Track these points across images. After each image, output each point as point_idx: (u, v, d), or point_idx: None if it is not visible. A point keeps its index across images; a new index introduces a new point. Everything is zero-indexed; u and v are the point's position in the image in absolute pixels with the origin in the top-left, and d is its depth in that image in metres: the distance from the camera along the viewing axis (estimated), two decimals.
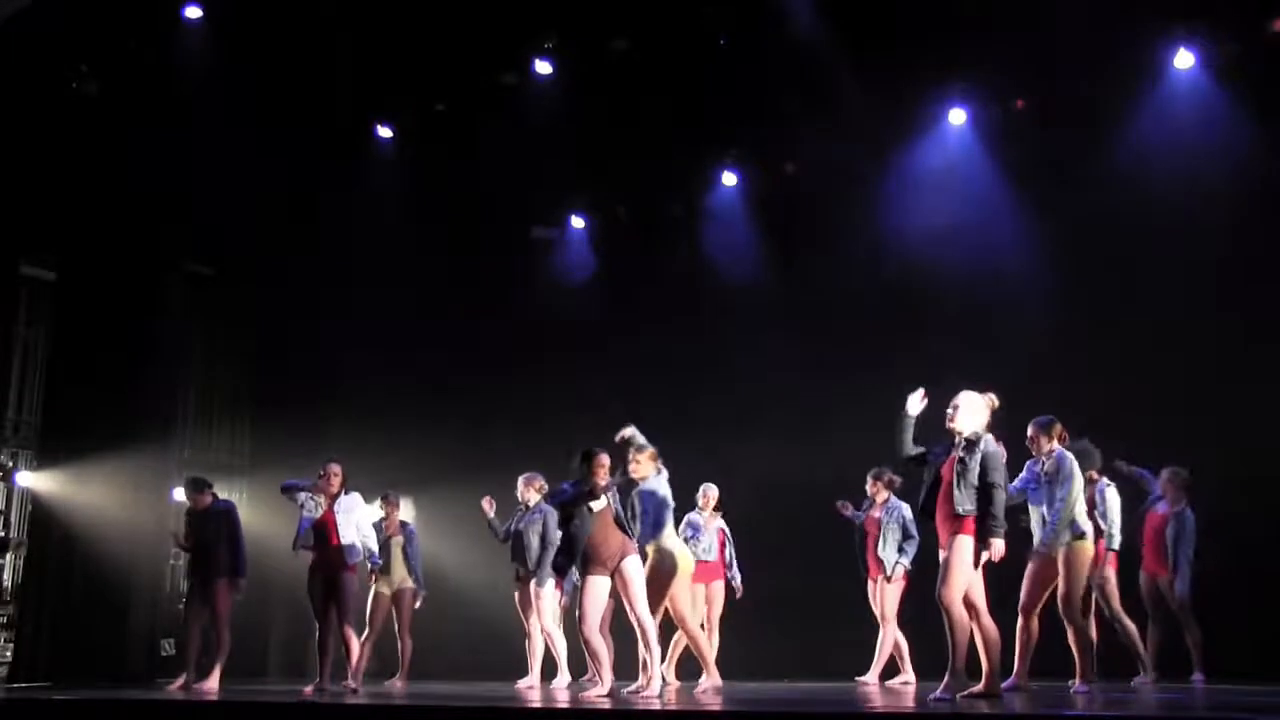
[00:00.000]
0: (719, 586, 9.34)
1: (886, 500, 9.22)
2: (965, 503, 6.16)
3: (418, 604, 9.95)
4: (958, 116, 11.21)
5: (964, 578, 6.11)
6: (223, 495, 9.98)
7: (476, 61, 11.27)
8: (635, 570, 7.09)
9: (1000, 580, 6.78)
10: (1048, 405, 9.75)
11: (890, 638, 9.13)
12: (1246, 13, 9.87)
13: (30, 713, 7.38)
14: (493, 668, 10.37)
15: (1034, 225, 10.68)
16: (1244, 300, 9.72)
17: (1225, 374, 9.61)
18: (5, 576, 12.12)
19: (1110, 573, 8.35)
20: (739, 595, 9.46)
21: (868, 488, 9.36)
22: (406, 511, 10.67)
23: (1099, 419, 9.19)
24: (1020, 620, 6.97)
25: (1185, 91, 10.18)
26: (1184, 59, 10.18)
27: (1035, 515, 7.49)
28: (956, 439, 6.43)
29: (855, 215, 11.45)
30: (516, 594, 9.52)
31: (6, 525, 12.28)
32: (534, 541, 9.12)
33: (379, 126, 12.33)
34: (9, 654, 11.01)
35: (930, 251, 10.90)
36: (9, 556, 12.12)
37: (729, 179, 12.40)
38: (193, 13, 10.80)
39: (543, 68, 11.33)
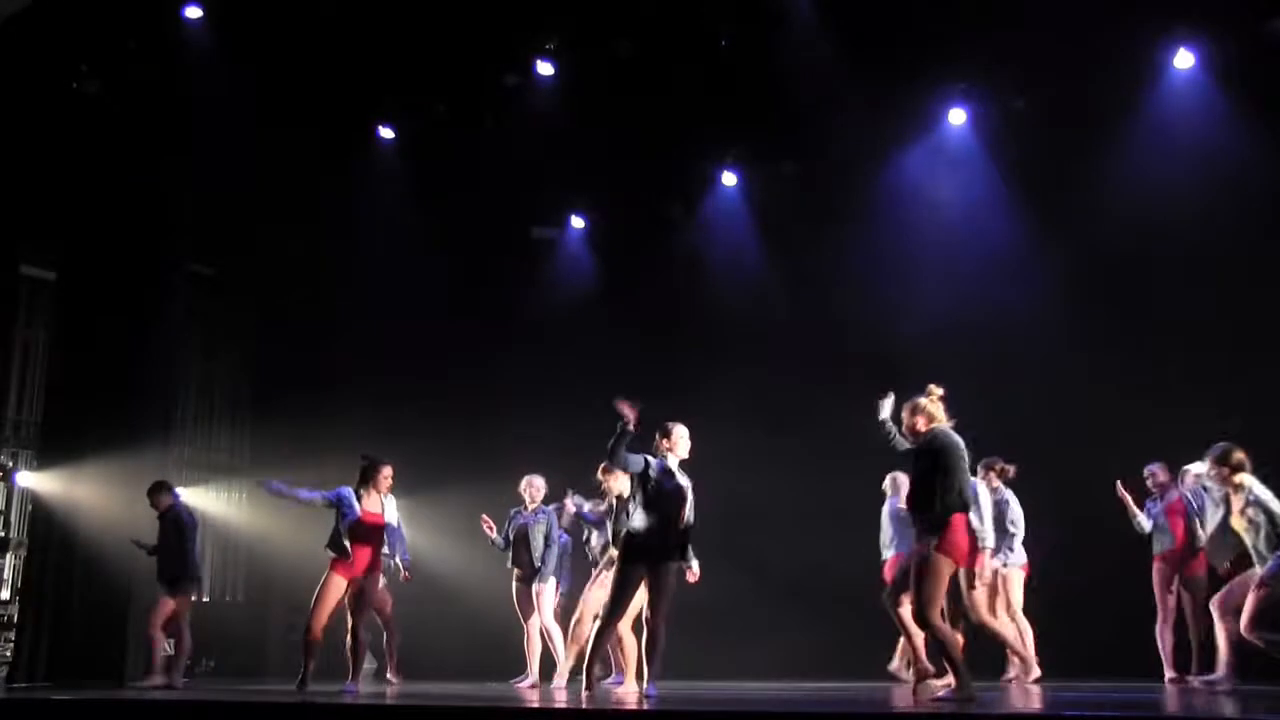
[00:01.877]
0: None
1: (996, 489, 8.58)
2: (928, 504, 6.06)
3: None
4: (958, 116, 11.22)
5: (939, 585, 6.06)
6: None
7: (477, 62, 11.28)
8: (673, 574, 6.90)
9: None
10: (1048, 406, 9.85)
11: (1014, 631, 8.50)
12: (1246, 13, 9.87)
13: (30, 713, 7.37)
14: (492, 668, 10.36)
15: (1033, 224, 10.69)
16: (1246, 300, 9.72)
17: (1227, 374, 9.60)
18: (5, 576, 12.12)
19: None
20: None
21: (978, 478, 8.67)
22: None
23: (1100, 419, 9.20)
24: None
25: (1185, 91, 10.19)
26: (1184, 59, 10.19)
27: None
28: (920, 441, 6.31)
29: (855, 215, 11.45)
30: (515, 593, 9.52)
31: (6, 525, 12.28)
32: (538, 540, 9.19)
33: (379, 127, 12.33)
34: (9, 654, 11.01)
35: (930, 251, 10.91)
36: (9, 556, 12.11)
37: (729, 179, 12.40)
38: (193, 13, 10.80)
39: (544, 68, 11.35)
